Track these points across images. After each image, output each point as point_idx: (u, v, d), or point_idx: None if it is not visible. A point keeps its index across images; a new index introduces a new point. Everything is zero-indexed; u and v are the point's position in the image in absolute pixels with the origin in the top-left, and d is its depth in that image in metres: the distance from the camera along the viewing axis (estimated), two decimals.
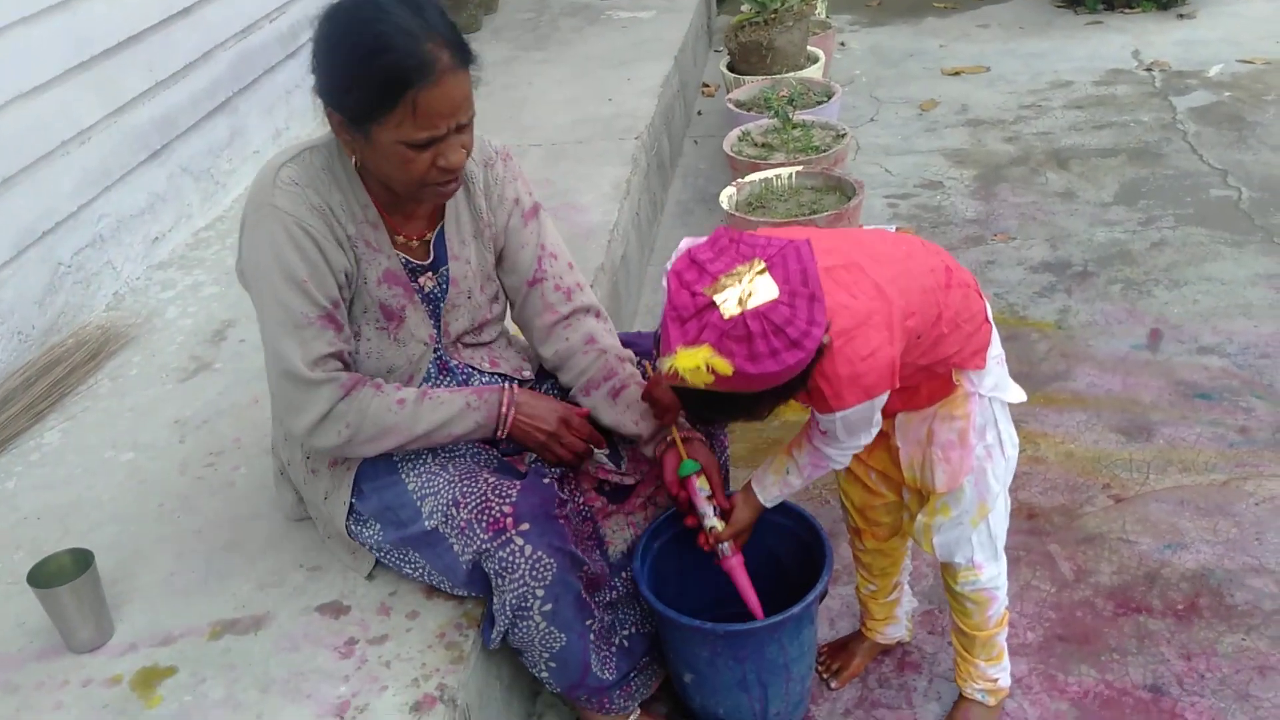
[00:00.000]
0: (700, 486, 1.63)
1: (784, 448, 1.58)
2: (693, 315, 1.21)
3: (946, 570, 1.68)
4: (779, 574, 1.78)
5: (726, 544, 1.63)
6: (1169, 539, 2.13)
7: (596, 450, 1.74)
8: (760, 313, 1.19)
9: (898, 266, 1.39)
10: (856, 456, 1.63)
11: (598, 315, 1.79)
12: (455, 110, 1.44)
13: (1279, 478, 2.26)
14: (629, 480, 1.77)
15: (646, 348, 1.83)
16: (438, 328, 1.69)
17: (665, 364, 1.22)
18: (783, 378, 1.23)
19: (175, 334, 2.63)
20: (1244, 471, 2.29)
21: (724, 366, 1.18)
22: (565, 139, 3.69)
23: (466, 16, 4.98)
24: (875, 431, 1.48)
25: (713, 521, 1.63)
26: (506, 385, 1.67)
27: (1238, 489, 2.25)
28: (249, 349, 2.49)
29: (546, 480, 1.63)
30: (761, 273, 1.20)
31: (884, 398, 1.40)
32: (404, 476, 1.62)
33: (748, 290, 1.19)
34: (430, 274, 1.66)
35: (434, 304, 1.67)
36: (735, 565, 1.63)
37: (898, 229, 3.29)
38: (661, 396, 1.64)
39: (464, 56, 1.44)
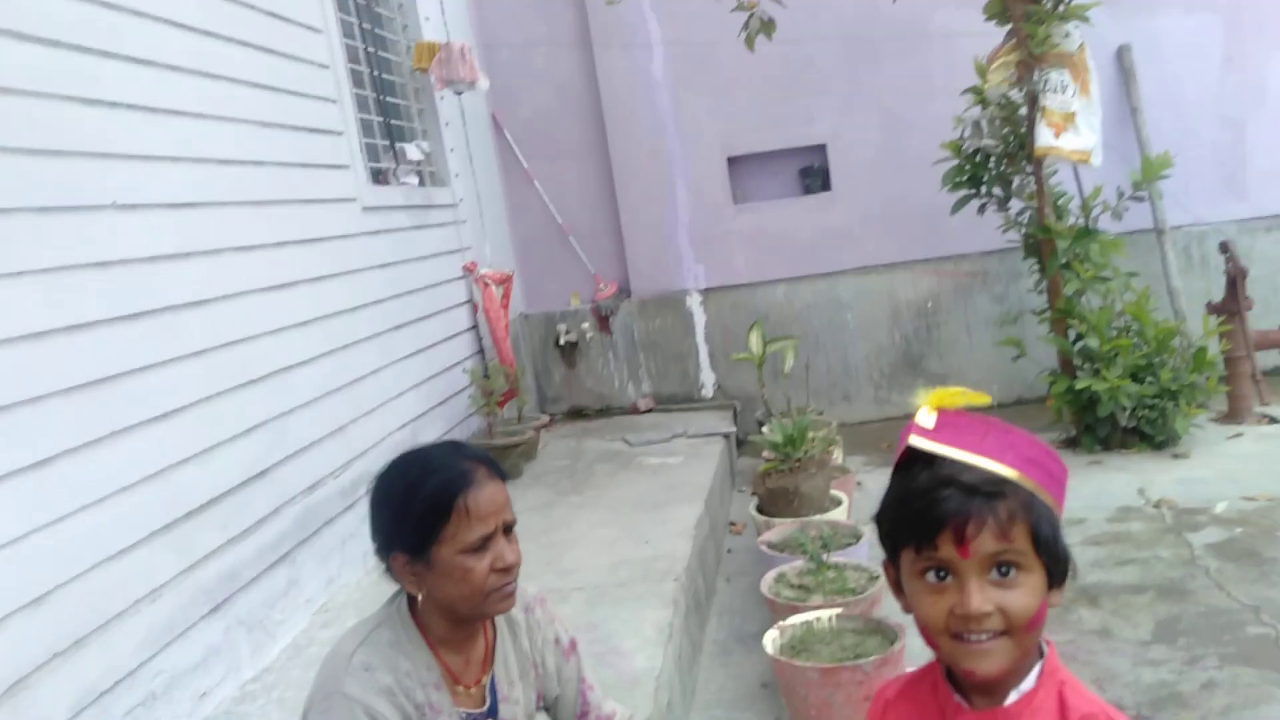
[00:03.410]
0: None
1: None
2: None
3: None
4: None
5: None
6: None
7: None
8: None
9: None
10: None
11: None
12: (501, 509, 1.67)
13: None
14: None
15: None
16: None
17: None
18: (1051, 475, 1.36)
19: None
20: None
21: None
22: (606, 581, 3.80)
23: (509, 465, 5.35)
24: None
25: None
26: None
27: None
28: None
29: None
30: None
31: None
32: None
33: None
34: (489, 719, 1.73)
35: None
36: None
37: None
38: None
39: (498, 470, 1.72)
